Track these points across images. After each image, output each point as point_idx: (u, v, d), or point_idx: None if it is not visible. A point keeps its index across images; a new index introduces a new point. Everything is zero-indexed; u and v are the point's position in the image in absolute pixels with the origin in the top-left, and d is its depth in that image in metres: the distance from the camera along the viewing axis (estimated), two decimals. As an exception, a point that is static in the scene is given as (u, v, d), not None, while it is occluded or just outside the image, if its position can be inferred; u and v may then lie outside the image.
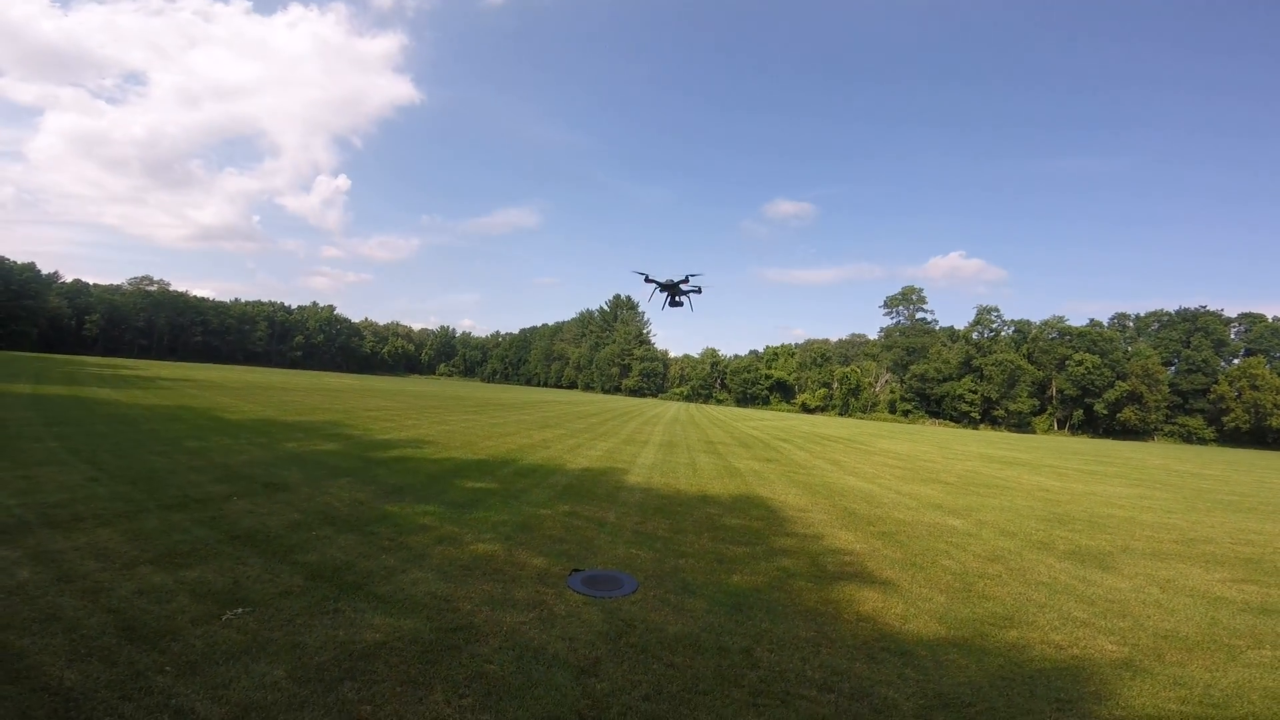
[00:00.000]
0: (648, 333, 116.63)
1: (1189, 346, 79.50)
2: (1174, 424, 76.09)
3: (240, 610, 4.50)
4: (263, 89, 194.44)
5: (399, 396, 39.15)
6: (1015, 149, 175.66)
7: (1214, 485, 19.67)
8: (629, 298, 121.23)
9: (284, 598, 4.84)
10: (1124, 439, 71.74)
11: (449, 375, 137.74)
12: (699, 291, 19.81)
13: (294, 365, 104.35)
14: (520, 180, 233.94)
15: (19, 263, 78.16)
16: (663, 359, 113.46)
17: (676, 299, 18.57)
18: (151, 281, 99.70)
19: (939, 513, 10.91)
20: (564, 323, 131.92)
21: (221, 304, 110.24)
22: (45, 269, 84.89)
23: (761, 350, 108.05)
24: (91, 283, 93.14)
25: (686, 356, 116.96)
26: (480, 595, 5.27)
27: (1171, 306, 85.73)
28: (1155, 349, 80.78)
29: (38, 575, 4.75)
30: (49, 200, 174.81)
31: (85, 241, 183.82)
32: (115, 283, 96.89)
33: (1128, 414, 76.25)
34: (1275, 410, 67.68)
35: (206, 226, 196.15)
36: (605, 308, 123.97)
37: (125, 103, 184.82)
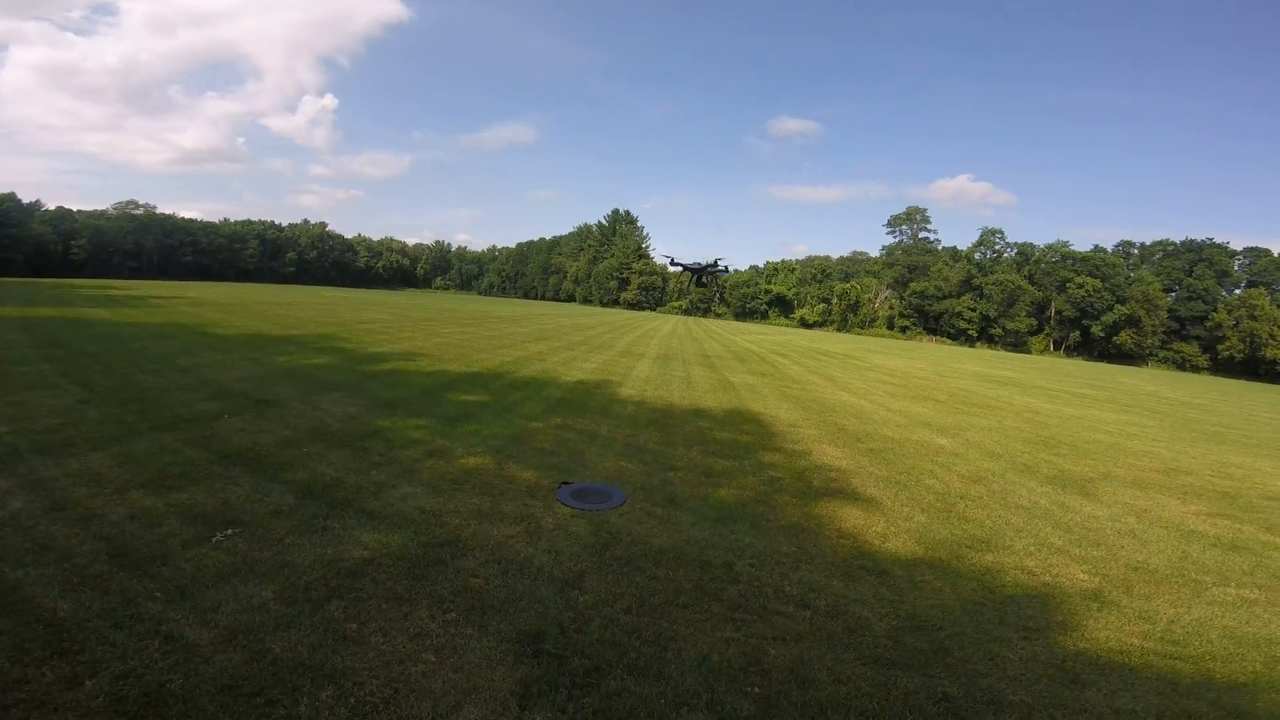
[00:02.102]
0: (647, 247, 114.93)
1: (1191, 275, 78.39)
2: (1169, 350, 76.16)
3: (230, 531, 4.48)
4: (241, 13, 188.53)
5: (394, 309, 38.84)
6: (1033, 75, 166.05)
7: (1202, 415, 19.82)
8: (628, 212, 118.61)
9: (274, 517, 4.84)
10: (1119, 363, 72.25)
11: (445, 289, 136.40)
12: (726, 271, 19.69)
13: (287, 281, 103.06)
14: (516, 95, 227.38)
15: None
16: (662, 273, 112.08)
17: (703, 279, 18.33)
18: (137, 205, 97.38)
19: (928, 431, 11.04)
20: (562, 237, 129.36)
21: (210, 224, 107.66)
22: (26, 198, 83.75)
23: (762, 265, 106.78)
24: (76, 209, 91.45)
25: (685, 271, 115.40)
26: (468, 509, 5.33)
27: (1178, 237, 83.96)
28: (1157, 276, 79.75)
29: (30, 504, 4.70)
30: (23, 131, 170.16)
31: (66, 170, 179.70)
32: (100, 208, 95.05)
33: (1124, 338, 76.32)
34: (1271, 341, 67.70)
35: (190, 150, 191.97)
36: (604, 222, 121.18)
37: (95, 34, 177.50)
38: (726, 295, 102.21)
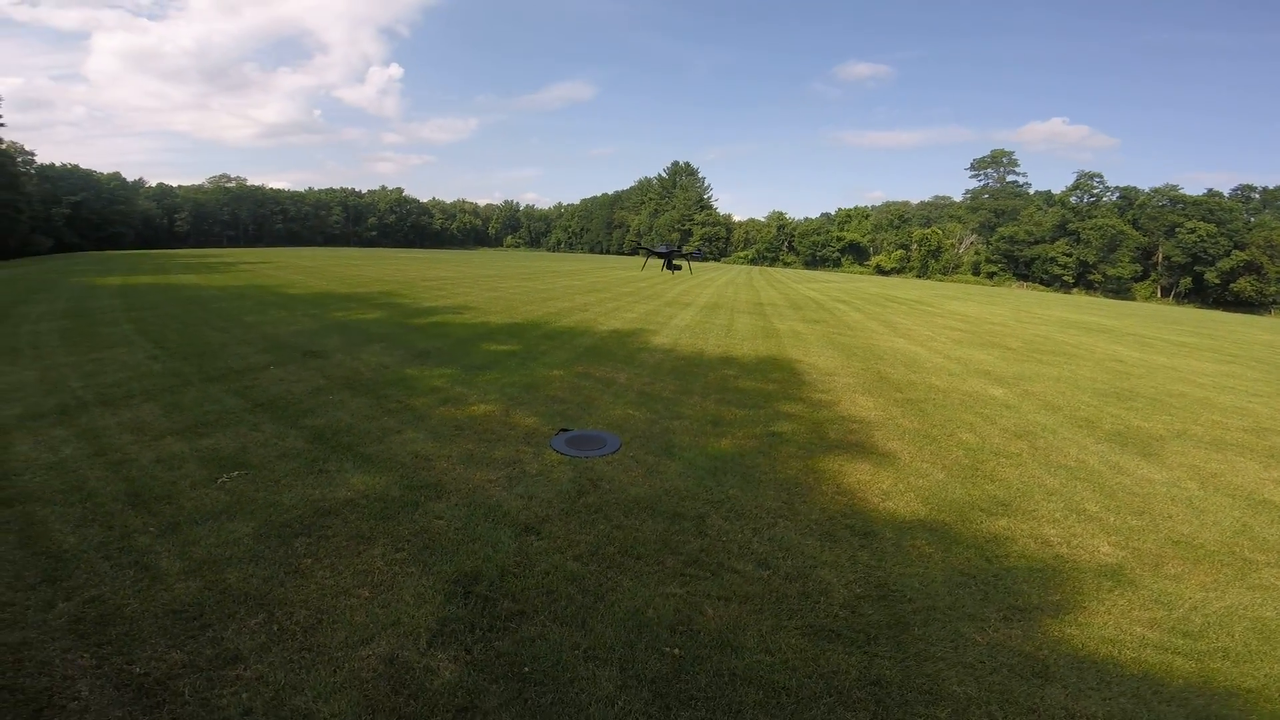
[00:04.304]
0: (709, 197, 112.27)
1: None
2: None
3: (236, 473, 4.71)
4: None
5: (460, 266, 39.92)
6: (1146, 14, 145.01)
7: None
8: (688, 164, 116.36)
9: (281, 460, 5.04)
10: (1236, 311, 64.75)
11: (515, 247, 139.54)
12: (700, 255, 18.90)
13: (369, 244, 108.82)
14: (573, 53, 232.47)
15: (105, 173, 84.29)
16: (725, 223, 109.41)
17: (672, 263, 17.93)
18: (229, 179, 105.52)
19: (983, 380, 10.16)
20: (623, 191, 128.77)
21: (297, 193, 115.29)
22: (130, 176, 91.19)
23: (833, 212, 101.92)
24: (175, 184, 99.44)
25: (751, 220, 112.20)
26: (460, 454, 5.35)
27: None
28: None
29: (78, 451, 5.07)
30: (119, 114, 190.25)
31: (161, 149, 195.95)
32: (197, 182, 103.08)
33: (1243, 284, 68.05)
34: None
35: (271, 124, 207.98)
36: (664, 175, 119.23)
37: (166, 18, 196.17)
38: (795, 243, 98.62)
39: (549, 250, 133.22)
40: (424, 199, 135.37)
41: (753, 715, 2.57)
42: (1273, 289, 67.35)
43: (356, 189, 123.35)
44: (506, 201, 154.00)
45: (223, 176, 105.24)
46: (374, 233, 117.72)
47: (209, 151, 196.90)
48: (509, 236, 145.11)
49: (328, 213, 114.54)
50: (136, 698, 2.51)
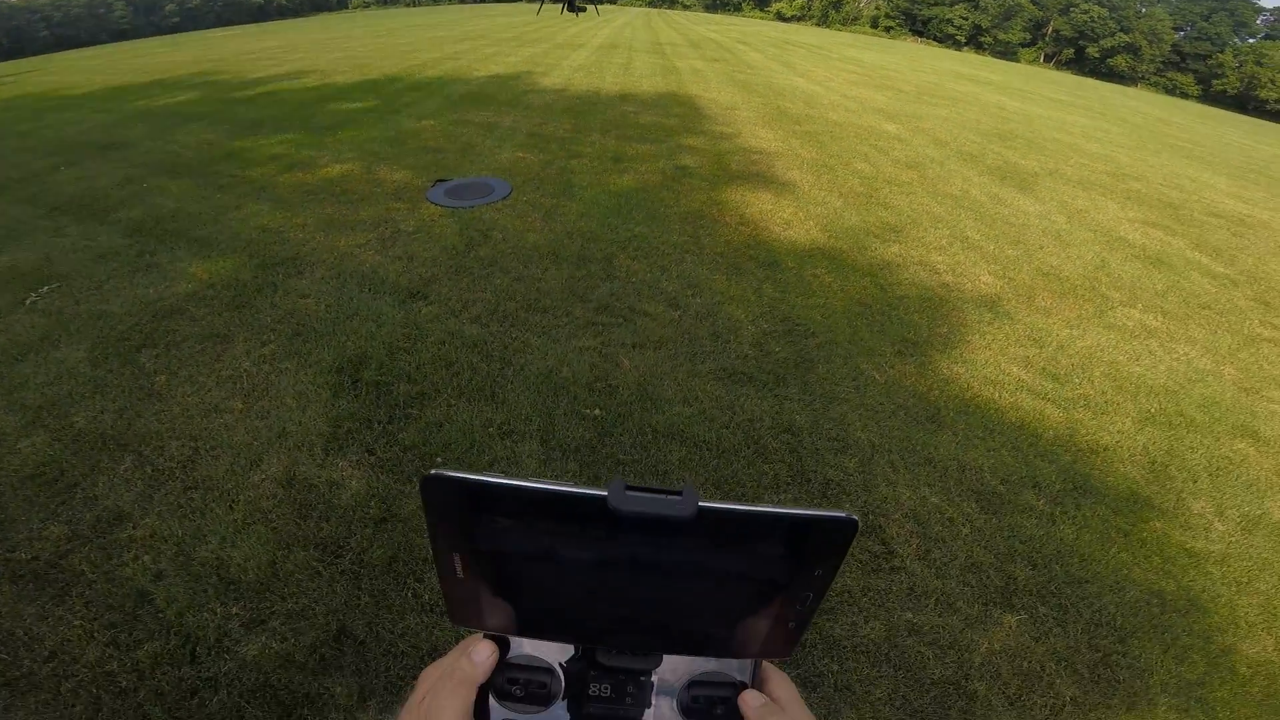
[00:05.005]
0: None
1: (1207, 21, 70.28)
2: (1163, 77, 71.92)
3: (45, 289, 3.75)
4: None
5: (295, 33, 32.56)
6: None
7: (1174, 131, 18.23)
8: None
9: (97, 262, 4.07)
10: (1109, 81, 68.05)
11: (365, 7, 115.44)
12: None
13: (172, 32, 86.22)
14: None
15: None
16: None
17: (578, 5, 14.53)
18: None
19: (877, 117, 10.02)
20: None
21: None
22: None
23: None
24: None
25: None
26: (317, 220, 4.59)
27: None
28: (1171, 15, 71.37)
29: None
30: None
31: None
32: None
33: (1119, 60, 71.13)
34: (1270, 84, 63.21)
35: None
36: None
37: None
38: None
39: (408, 5, 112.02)
40: None
41: (678, 475, 2.49)
42: (1144, 67, 71.00)
43: None
44: None
45: None
46: (176, 18, 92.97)
47: None
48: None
49: (108, 9, 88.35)
50: (38, 591, 2.03)
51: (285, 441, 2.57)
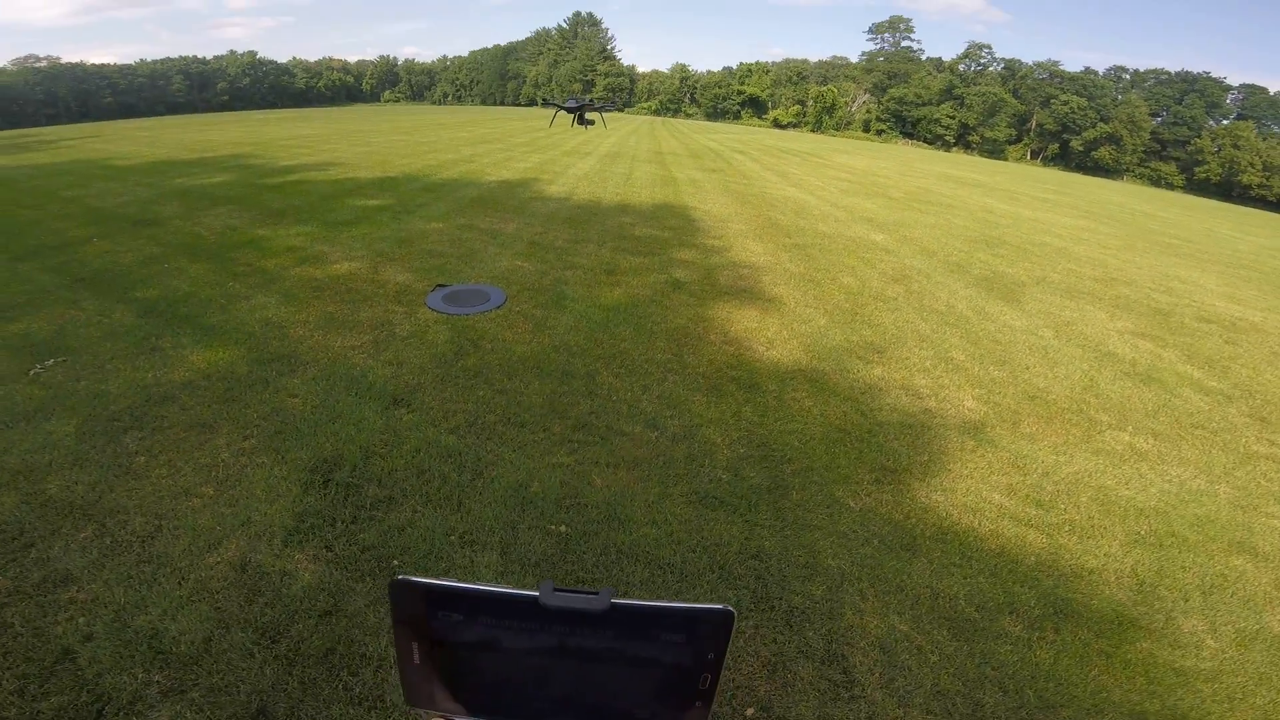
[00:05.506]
0: (612, 48, 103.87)
1: (1181, 104, 75.06)
2: (1147, 167, 75.22)
3: (52, 361, 3.97)
4: None
5: (329, 122, 35.01)
6: None
7: (1162, 227, 18.86)
8: (590, 14, 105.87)
9: (106, 340, 4.31)
10: (1095, 175, 70.99)
11: (395, 101, 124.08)
12: (613, 105, 17.24)
13: (221, 109, 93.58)
14: None
15: None
16: (629, 74, 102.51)
17: (584, 118, 16.55)
18: (39, 59, 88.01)
19: (866, 226, 10.42)
20: (518, 42, 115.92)
21: (126, 66, 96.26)
22: None
23: (735, 67, 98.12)
24: None
25: (655, 71, 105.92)
26: (319, 318, 4.77)
27: (1173, 68, 78.71)
28: (1146, 101, 76.20)
29: None
30: None
31: None
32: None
33: (1103, 153, 74.67)
34: (1249, 168, 66.17)
35: (86, 1, 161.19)
36: (564, 25, 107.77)
37: None
38: (698, 96, 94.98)
39: (434, 104, 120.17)
40: (283, 60, 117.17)
41: (639, 595, 2.49)
42: (1128, 158, 74.44)
43: (200, 55, 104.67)
44: (382, 57, 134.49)
45: (30, 57, 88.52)
46: (225, 98, 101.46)
47: (15, 34, 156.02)
48: (387, 92, 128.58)
49: (167, 82, 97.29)
50: (-40, 636, 2.09)
51: (248, 529, 2.65)
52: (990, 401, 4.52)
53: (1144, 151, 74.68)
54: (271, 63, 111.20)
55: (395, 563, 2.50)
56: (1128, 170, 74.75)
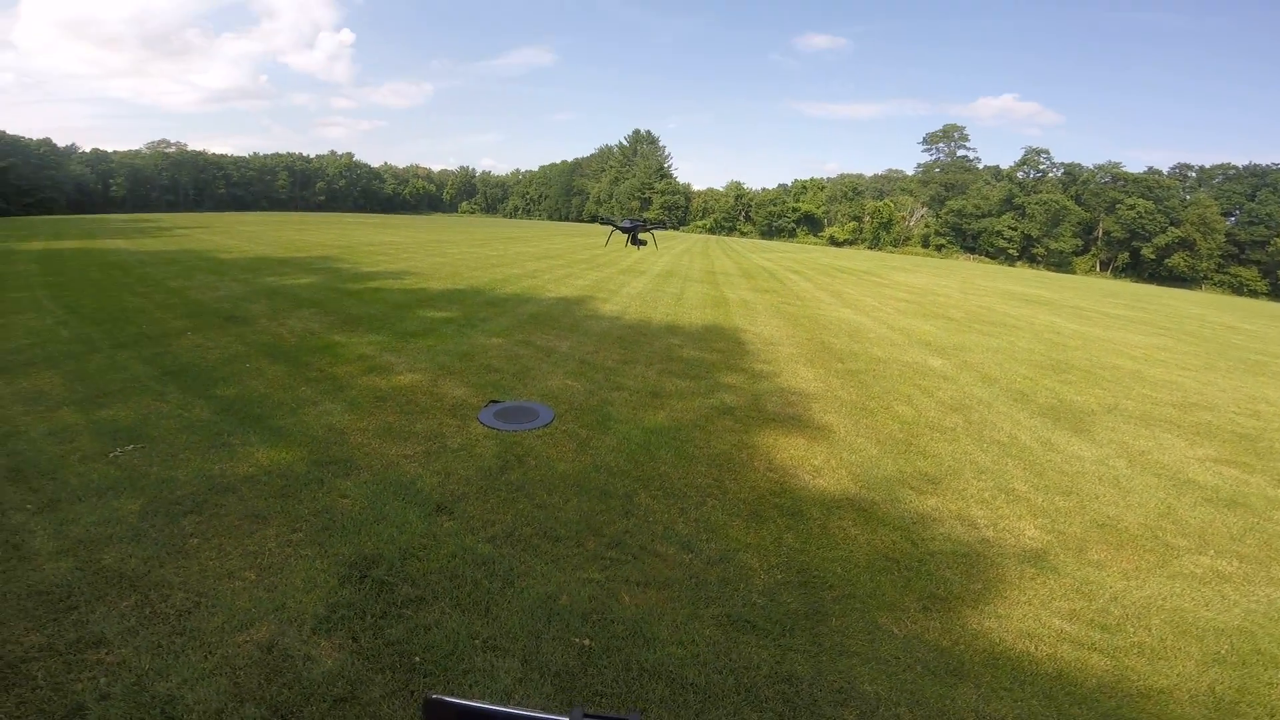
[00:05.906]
0: (669, 166, 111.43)
1: (1254, 200, 71.91)
2: (1225, 274, 71.01)
3: (131, 447, 4.37)
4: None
5: (411, 231, 38.52)
6: None
7: (1246, 340, 17.63)
8: (649, 132, 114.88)
9: (182, 432, 4.70)
10: (1170, 285, 67.96)
11: (471, 212, 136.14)
12: (664, 226, 18.61)
13: (317, 209, 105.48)
14: (532, 18, 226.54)
15: (35, 139, 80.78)
16: (685, 191, 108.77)
17: (638, 238, 18.18)
18: (169, 144, 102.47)
19: (923, 351, 10.22)
20: (583, 158, 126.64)
21: (240, 158, 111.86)
22: (62, 143, 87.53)
23: (790, 184, 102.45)
24: (111, 150, 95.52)
25: (710, 189, 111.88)
26: (378, 427, 5.03)
27: (1240, 162, 76.62)
28: (1216, 200, 73.30)
29: None
30: (50, 81, 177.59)
31: (98, 115, 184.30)
32: (134, 148, 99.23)
33: (1177, 260, 71.38)
34: None
35: (215, 90, 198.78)
36: (624, 142, 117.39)
37: None
38: (753, 214, 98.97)
39: (506, 216, 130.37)
40: (375, 164, 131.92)
41: (657, 714, 2.40)
42: (1204, 265, 70.76)
43: (304, 153, 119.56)
44: (462, 167, 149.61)
45: (162, 142, 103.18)
46: (322, 198, 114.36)
47: (149, 117, 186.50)
48: (464, 202, 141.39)
49: (273, 178, 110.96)
50: (-19, 682, 2.26)
51: (280, 614, 2.75)
52: (1054, 530, 4.26)
53: (1221, 256, 71.03)
54: (365, 166, 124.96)
55: (416, 659, 2.54)
56: (1205, 278, 71.05)
